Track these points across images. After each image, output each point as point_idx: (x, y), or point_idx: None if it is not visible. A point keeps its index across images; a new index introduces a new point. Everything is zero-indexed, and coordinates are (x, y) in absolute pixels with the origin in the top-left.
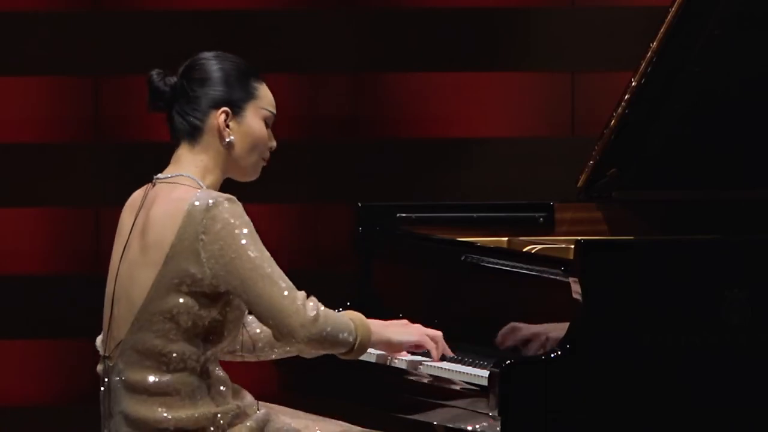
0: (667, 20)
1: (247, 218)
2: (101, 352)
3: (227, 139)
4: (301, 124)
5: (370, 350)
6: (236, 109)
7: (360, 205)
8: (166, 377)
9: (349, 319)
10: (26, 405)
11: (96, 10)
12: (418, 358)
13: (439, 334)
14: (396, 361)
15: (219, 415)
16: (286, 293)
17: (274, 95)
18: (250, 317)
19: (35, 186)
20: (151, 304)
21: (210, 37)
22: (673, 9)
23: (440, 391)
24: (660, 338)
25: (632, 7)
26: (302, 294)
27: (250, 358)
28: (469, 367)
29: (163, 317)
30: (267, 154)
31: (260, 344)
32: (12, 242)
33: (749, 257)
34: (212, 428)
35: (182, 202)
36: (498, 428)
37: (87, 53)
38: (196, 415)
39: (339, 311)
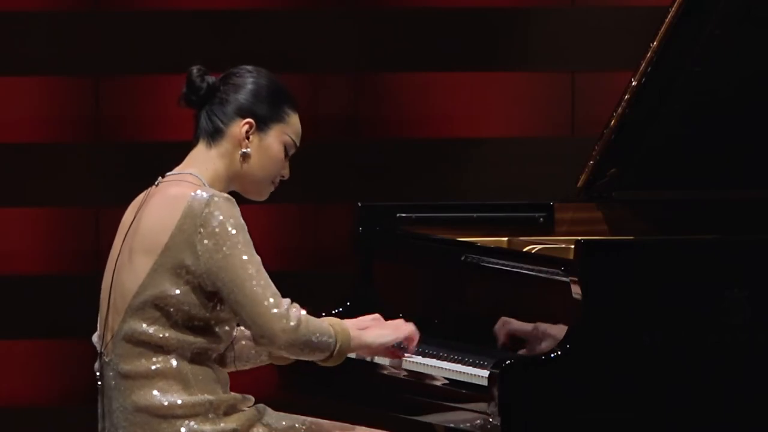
0: (667, 20)
1: (242, 221)
2: (98, 349)
3: (243, 150)
4: (301, 123)
5: None
6: (261, 124)
7: (360, 205)
8: (159, 362)
9: (329, 325)
10: (26, 405)
11: (96, 10)
12: (418, 358)
13: (412, 327)
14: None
15: (215, 403)
16: (271, 299)
17: None
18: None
19: (35, 186)
20: (144, 292)
21: (210, 36)
22: (673, 9)
23: (440, 391)
24: (660, 338)
25: (632, 7)
26: (287, 300)
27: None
28: (469, 367)
29: (154, 305)
30: (277, 180)
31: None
32: (12, 242)
33: (749, 257)
34: (210, 415)
35: (182, 195)
36: (498, 428)
37: (87, 53)
38: (192, 400)
39: (323, 315)
